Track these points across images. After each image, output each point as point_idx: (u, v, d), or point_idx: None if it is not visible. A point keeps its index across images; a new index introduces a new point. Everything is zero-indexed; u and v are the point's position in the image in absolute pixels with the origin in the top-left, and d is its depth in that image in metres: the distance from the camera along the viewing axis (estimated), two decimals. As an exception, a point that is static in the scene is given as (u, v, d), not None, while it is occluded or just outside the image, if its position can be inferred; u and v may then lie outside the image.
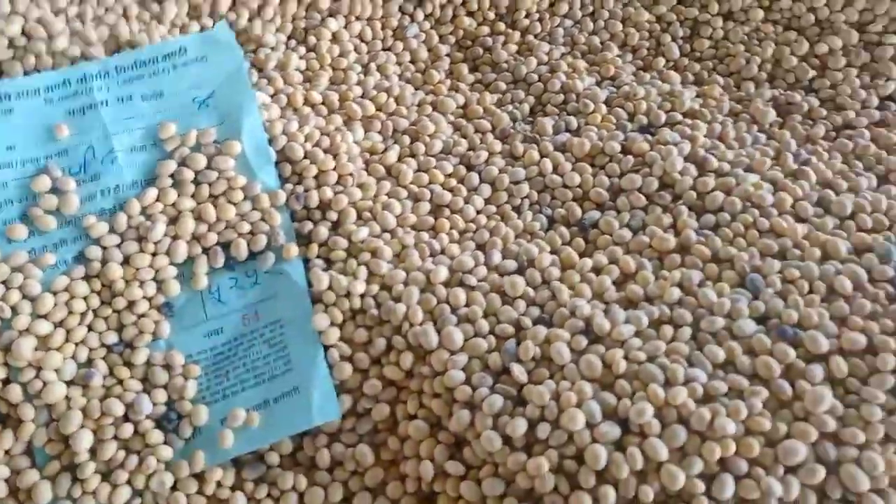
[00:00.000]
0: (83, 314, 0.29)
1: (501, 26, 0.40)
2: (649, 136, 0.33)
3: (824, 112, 0.35)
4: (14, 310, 0.29)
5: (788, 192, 0.30)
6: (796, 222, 0.29)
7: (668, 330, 0.26)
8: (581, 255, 0.30)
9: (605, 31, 0.40)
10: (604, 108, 0.35)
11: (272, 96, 0.34)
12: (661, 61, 0.39)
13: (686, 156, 0.32)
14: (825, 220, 0.29)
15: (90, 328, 0.29)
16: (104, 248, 0.30)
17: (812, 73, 0.37)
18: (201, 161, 0.31)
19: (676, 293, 0.27)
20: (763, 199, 0.30)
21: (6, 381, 0.28)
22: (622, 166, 0.32)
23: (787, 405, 0.24)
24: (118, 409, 0.28)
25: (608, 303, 0.28)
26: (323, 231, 0.31)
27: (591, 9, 0.40)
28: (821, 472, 0.23)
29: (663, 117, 0.34)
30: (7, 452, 0.28)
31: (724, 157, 0.32)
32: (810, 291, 0.27)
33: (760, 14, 0.39)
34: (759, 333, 0.26)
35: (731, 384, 0.25)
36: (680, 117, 0.34)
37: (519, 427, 0.25)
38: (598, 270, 0.29)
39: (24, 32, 0.33)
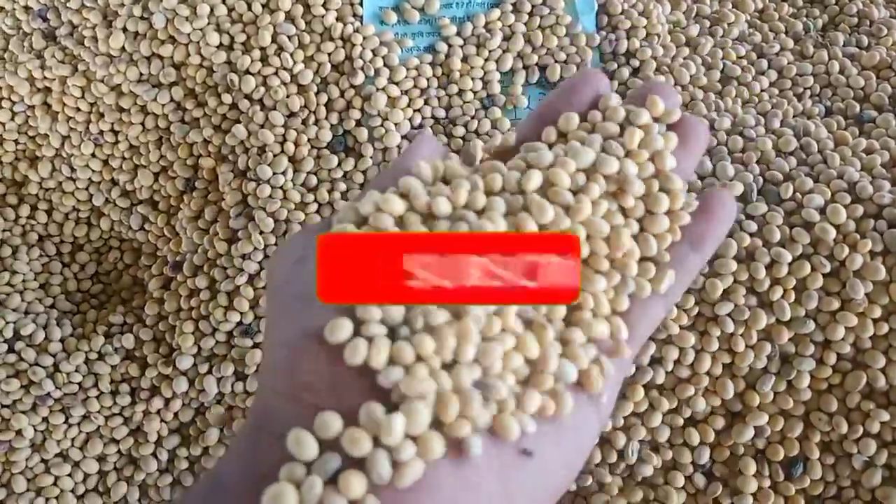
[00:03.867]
0: (423, 90, 0.37)
1: (805, -44, 0.43)
2: (939, 64, 0.36)
3: None
4: (376, 72, 0.37)
5: None
6: None
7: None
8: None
9: (906, -19, 0.42)
10: (896, 36, 0.38)
11: (599, -34, 0.40)
12: (962, 11, 0.40)
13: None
14: None
15: (426, 102, 0.37)
16: (450, 45, 0.37)
17: None
18: (538, -3, 0.38)
19: (944, 180, 0.30)
20: None
21: (358, 123, 0.36)
22: (906, 83, 0.35)
23: None
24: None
25: (875, 178, 0.31)
26: (625, 73, 0.36)
27: (895, -40, 0.43)
28: None
29: (957, 51, 0.36)
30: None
31: None
32: None
33: None
34: None
35: None
36: (973, 54, 0.36)
37: None
38: (868, 152, 0.33)
39: None
